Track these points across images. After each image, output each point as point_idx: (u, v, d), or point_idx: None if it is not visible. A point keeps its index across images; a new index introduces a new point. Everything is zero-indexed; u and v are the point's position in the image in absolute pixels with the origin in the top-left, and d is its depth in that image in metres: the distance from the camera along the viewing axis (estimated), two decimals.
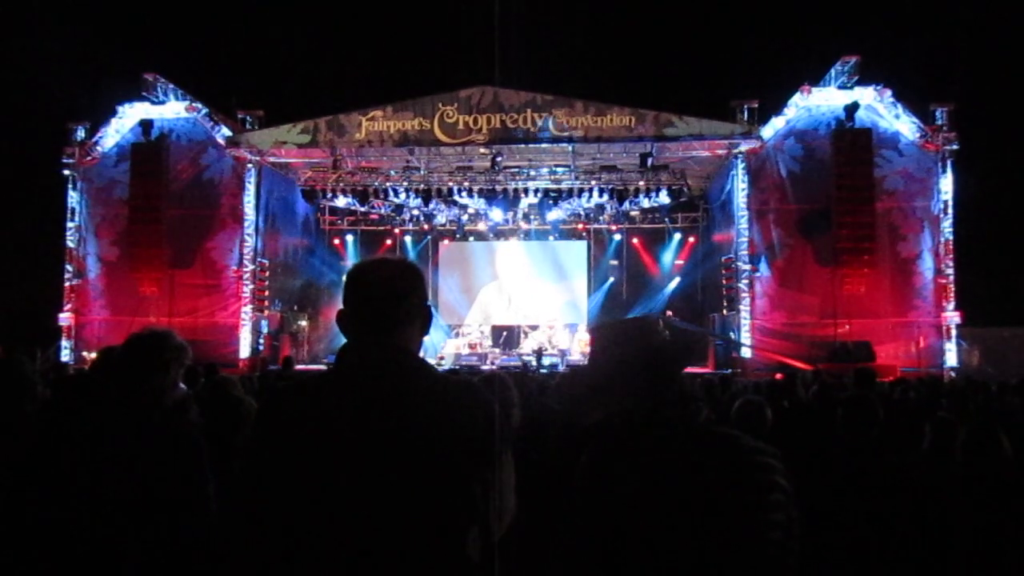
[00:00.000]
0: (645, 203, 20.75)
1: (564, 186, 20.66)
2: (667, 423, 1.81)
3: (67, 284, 19.63)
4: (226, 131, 19.31)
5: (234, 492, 1.84)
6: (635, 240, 23.88)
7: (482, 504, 1.65)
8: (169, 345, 2.61)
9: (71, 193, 19.75)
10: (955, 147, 17.77)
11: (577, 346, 21.10)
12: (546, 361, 19.06)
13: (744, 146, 18.13)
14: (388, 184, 20.68)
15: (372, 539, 1.60)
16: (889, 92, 17.86)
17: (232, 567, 1.74)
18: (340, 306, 1.85)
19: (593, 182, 20.48)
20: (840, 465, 3.51)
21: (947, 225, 17.75)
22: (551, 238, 24.06)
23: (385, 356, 1.76)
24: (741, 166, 18.30)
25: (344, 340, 1.82)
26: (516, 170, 20.67)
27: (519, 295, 23.93)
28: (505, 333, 23.01)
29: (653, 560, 1.69)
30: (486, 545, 1.64)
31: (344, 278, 1.88)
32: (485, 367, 17.99)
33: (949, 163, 17.82)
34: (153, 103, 19.46)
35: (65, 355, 19.03)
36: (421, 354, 1.90)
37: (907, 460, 3.57)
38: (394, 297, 1.81)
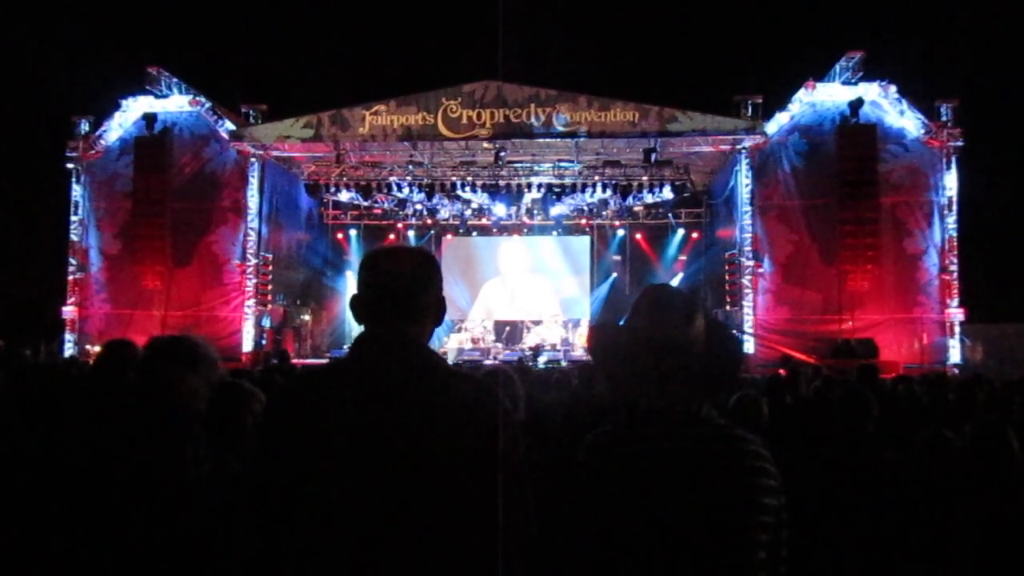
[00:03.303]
0: (648, 198, 20.76)
1: (567, 181, 20.65)
2: (669, 415, 1.82)
3: (70, 277, 19.64)
4: (229, 125, 19.29)
5: (241, 484, 1.83)
6: (638, 235, 23.85)
7: (493, 506, 1.63)
8: (201, 355, 2.59)
9: (74, 187, 19.75)
10: (960, 143, 17.70)
11: (579, 341, 21.09)
12: (545, 357, 19.08)
13: (748, 141, 18.08)
14: (391, 179, 20.69)
15: (380, 535, 1.59)
16: (894, 88, 17.79)
17: (239, 562, 1.73)
18: (355, 292, 1.83)
19: (596, 177, 20.47)
20: (837, 460, 3.50)
21: (951, 221, 17.69)
22: (554, 233, 24.06)
23: (399, 349, 1.74)
24: (745, 162, 18.24)
25: (349, 331, 1.81)
26: (519, 165, 20.64)
27: (522, 290, 23.91)
28: (508, 328, 22.98)
29: (651, 543, 1.71)
30: (497, 546, 1.62)
31: (360, 263, 1.86)
32: (487, 362, 17.99)
33: (954, 159, 17.76)
34: (157, 97, 19.44)
35: (68, 348, 19.06)
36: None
37: (904, 455, 3.56)
38: (412, 289, 1.79)
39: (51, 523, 2.34)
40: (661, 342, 1.82)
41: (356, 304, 1.81)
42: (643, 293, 1.95)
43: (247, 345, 18.87)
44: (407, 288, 1.78)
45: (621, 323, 1.94)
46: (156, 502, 2.30)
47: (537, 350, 19.47)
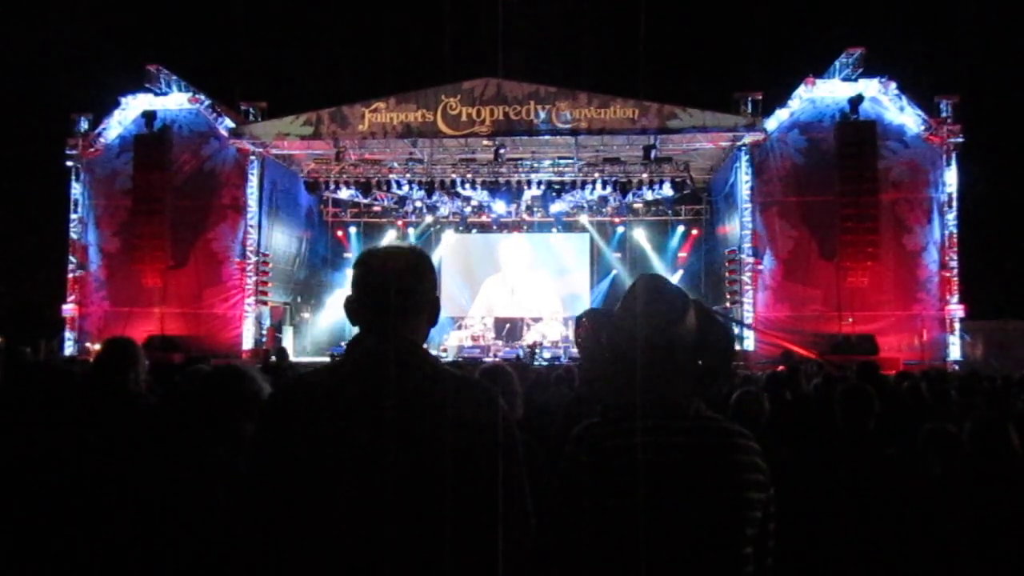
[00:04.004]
0: (648, 195, 20.73)
1: (567, 178, 20.63)
2: (659, 409, 1.80)
3: (70, 276, 19.63)
4: (229, 123, 19.28)
5: (240, 485, 1.82)
6: (638, 232, 23.84)
7: (492, 506, 1.62)
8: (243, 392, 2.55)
9: (74, 184, 19.74)
10: (960, 139, 17.68)
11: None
12: (547, 354, 19.08)
13: (748, 138, 18.07)
14: (391, 176, 20.67)
15: (379, 536, 1.58)
16: (894, 84, 17.78)
17: (237, 564, 1.72)
18: (348, 293, 1.81)
19: (596, 174, 20.45)
20: (838, 456, 3.50)
21: (951, 218, 17.68)
22: (554, 230, 24.06)
23: (393, 350, 1.72)
24: (745, 158, 18.24)
25: (349, 328, 1.80)
26: (519, 162, 20.63)
27: (522, 287, 23.90)
28: (508, 325, 23.00)
29: (638, 537, 1.69)
30: (496, 546, 1.61)
31: (353, 264, 1.83)
32: (488, 359, 18.00)
33: (954, 156, 17.74)
34: (156, 94, 19.44)
35: (68, 347, 19.07)
36: (424, 345, 1.87)
37: (905, 451, 3.56)
38: (404, 287, 1.77)
39: (58, 522, 2.33)
40: (653, 338, 1.80)
41: (349, 305, 1.80)
42: (634, 285, 1.91)
43: (247, 343, 18.88)
44: (399, 287, 1.76)
45: (611, 316, 1.92)
46: (165, 504, 2.29)
47: (534, 348, 19.48)
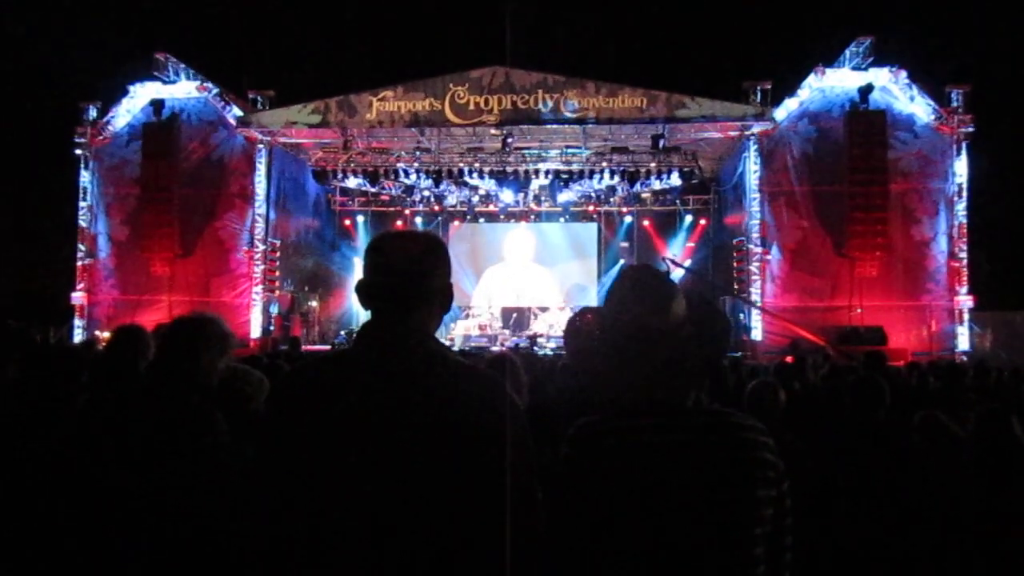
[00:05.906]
0: (656, 185, 20.68)
1: (575, 168, 20.58)
2: (658, 405, 1.74)
3: (79, 263, 19.71)
4: (237, 111, 19.28)
5: (248, 472, 1.82)
6: (646, 222, 23.79)
7: (500, 496, 1.61)
8: (206, 332, 2.60)
9: (83, 173, 19.79)
10: (970, 129, 17.56)
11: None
12: (552, 344, 19.08)
13: (757, 128, 17.98)
14: (399, 165, 20.65)
15: (384, 525, 1.58)
16: (904, 73, 17.65)
17: (246, 551, 1.73)
18: (361, 277, 1.79)
19: (604, 164, 20.40)
20: (849, 447, 3.50)
21: (961, 208, 17.59)
22: (562, 220, 24.01)
23: (403, 338, 1.72)
24: (753, 148, 18.16)
25: (357, 317, 1.78)
26: (527, 151, 20.59)
27: (529, 277, 23.89)
28: (515, 315, 22.98)
29: (641, 541, 1.65)
30: (503, 536, 1.60)
31: (366, 247, 1.81)
32: (495, 348, 18.00)
33: (964, 146, 17.63)
34: (164, 83, 19.45)
35: (78, 334, 19.16)
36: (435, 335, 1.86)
37: (914, 442, 3.55)
38: (417, 274, 1.76)
39: (69, 509, 2.35)
40: (647, 332, 1.73)
41: (361, 289, 1.79)
42: (621, 279, 1.85)
43: (255, 331, 18.93)
44: (412, 273, 1.75)
45: (598, 312, 1.85)
46: (178, 487, 2.31)
47: (534, 338, 19.47)
